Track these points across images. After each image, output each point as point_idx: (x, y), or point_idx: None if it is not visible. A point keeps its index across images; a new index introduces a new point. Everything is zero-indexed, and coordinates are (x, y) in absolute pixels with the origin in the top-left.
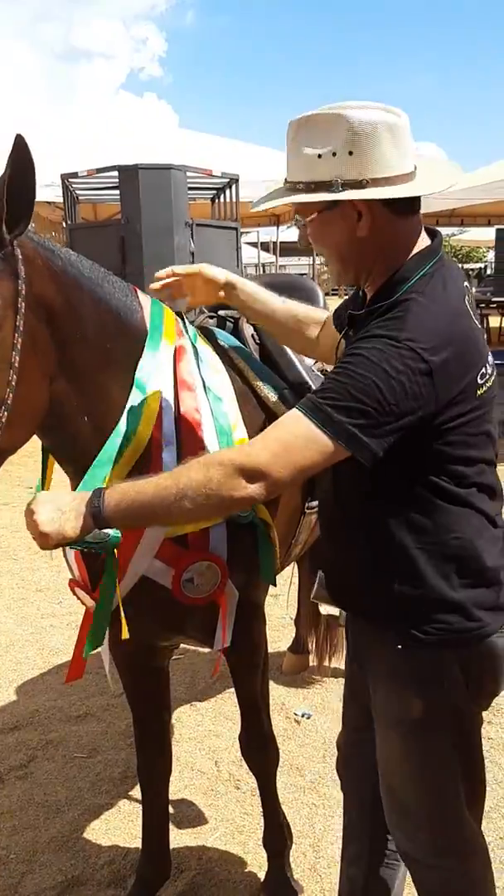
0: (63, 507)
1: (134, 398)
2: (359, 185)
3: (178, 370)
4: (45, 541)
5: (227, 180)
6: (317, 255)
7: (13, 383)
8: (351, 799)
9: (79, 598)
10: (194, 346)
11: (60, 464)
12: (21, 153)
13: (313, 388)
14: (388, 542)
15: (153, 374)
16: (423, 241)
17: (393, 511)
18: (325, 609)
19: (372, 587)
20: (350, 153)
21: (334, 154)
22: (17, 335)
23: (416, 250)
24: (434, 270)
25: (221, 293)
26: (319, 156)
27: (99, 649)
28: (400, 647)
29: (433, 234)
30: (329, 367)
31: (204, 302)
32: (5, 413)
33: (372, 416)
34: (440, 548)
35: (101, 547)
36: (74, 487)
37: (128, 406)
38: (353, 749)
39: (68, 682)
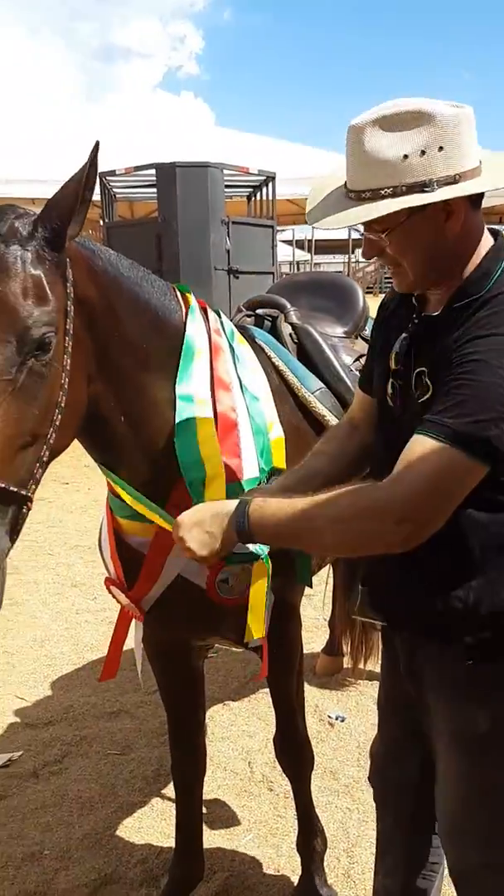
0: (209, 527)
1: (182, 411)
2: (452, 181)
3: (214, 369)
4: (206, 562)
5: (264, 178)
6: (381, 264)
7: (65, 386)
8: (386, 811)
9: (114, 596)
10: (231, 345)
11: (100, 465)
12: (95, 158)
13: (350, 386)
14: (462, 552)
15: (196, 381)
16: (487, 238)
17: (470, 518)
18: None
19: (438, 600)
20: (440, 149)
21: (423, 153)
22: (67, 338)
23: (484, 247)
24: None
25: None
26: (406, 156)
27: (132, 646)
28: (470, 661)
29: (494, 233)
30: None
31: None
32: (59, 416)
33: None
34: None
35: (251, 558)
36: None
37: (177, 426)
38: (390, 761)
39: (102, 680)
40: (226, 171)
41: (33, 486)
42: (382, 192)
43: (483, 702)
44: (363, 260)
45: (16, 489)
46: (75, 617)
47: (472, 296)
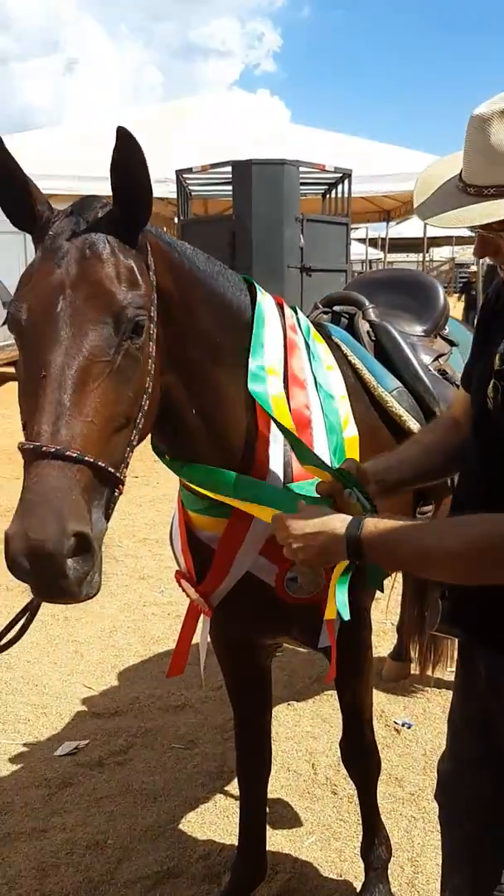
0: (315, 530)
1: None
2: None
3: (289, 366)
4: (304, 566)
5: (340, 175)
6: (456, 263)
7: (152, 372)
8: (454, 831)
9: (184, 590)
10: (307, 342)
11: (174, 460)
12: (123, 143)
13: (430, 386)
14: None
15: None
16: None
17: None
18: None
19: None
20: None
21: None
22: (152, 325)
23: None
24: None
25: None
26: None
27: (197, 641)
28: None
29: None
30: (448, 370)
31: None
32: (146, 401)
33: None
34: None
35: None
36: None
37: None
38: (459, 781)
39: (170, 676)
40: (301, 168)
41: (124, 470)
42: None
43: None
44: (437, 258)
45: (113, 470)
46: (142, 609)
47: None
